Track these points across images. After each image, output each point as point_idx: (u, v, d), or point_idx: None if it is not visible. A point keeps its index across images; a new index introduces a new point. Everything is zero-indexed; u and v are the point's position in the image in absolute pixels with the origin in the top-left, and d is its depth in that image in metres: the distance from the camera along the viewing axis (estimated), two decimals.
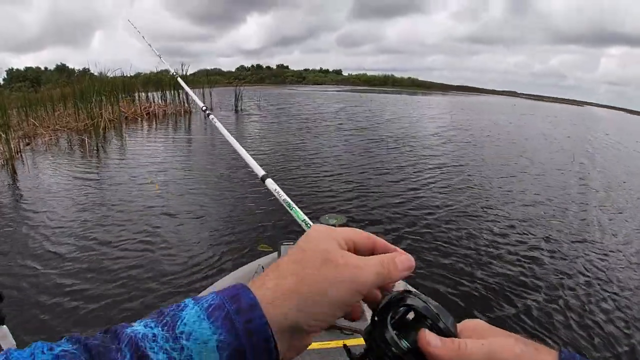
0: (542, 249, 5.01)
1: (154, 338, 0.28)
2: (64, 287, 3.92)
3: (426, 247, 4.84)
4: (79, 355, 0.26)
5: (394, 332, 0.35)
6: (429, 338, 0.34)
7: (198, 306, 0.31)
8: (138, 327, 0.29)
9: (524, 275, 4.33)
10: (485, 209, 6.42)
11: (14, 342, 0.83)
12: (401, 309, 0.37)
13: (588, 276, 4.37)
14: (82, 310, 3.55)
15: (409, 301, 0.36)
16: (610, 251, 5.12)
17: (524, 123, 22.31)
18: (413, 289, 0.41)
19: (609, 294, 4.03)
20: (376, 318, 0.37)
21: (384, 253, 0.38)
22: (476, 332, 0.36)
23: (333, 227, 0.38)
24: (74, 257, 4.52)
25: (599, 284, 4.21)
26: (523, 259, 4.70)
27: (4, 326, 0.82)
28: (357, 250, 0.37)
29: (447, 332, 0.35)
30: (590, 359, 3.03)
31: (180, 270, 4.25)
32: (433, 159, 10.20)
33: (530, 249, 5.00)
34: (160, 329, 0.29)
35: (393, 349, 0.34)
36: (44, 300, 3.73)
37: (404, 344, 0.34)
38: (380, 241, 0.39)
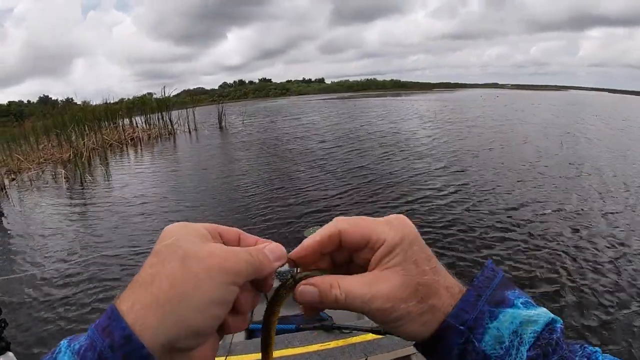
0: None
1: None
2: (55, 318, 4.03)
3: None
4: None
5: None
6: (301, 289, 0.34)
7: (70, 350, 0.28)
8: None
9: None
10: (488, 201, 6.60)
11: None
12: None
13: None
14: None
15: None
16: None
17: (508, 114, 22.60)
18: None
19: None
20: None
21: (248, 245, 0.35)
22: (379, 261, 0.34)
23: (191, 223, 0.33)
24: (65, 291, 4.61)
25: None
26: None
27: (10, 353, 0.82)
28: (224, 241, 0.34)
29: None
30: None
31: None
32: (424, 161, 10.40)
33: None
34: None
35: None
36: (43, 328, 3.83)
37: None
38: (245, 233, 0.36)
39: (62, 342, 0.29)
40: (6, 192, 10.24)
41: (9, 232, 7.07)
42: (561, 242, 5.00)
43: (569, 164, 9.37)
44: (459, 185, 7.62)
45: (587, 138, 13.35)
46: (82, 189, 10.06)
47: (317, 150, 12.46)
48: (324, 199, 7.21)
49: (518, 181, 7.81)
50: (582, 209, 6.13)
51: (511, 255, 4.66)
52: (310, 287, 0.34)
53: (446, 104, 36.53)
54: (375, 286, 0.32)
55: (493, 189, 7.32)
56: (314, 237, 0.35)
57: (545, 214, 5.98)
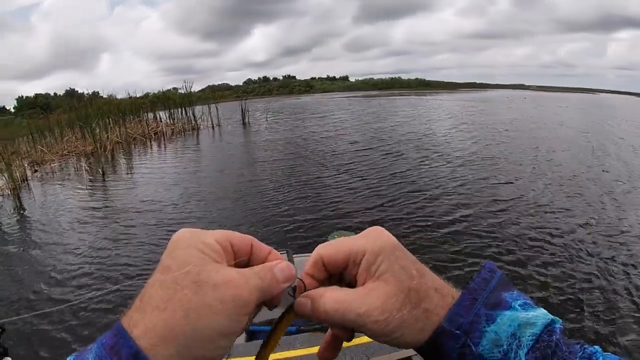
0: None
1: None
2: (68, 319, 3.69)
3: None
4: None
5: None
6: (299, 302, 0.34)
7: None
8: None
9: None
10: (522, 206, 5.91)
11: None
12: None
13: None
14: (86, 342, 3.21)
15: None
16: None
17: (542, 116, 21.54)
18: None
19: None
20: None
21: (260, 256, 0.34)
22: (368, 270, 0.33)
23: (201, 230, 0.32)
24: (77, 288, 4.23)
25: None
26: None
27: (8, 358, 0.91)
28: (235, 252, 0.32)
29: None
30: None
31: None
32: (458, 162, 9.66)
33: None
34: None
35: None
36: (47, 331, 3.58)
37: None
38: (258, 242, 0.34)
39: (68, 359, 0.28)
40: (28, 183, 10.16)
41: (25, 225, 6.84)
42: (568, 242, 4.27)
43: (603, 171, 8.74)
44: (503, 199, 6.87)
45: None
46: (103, 183, 9.82)
47: (347, 152, 11.77)
48: (354, 208, 6.57)
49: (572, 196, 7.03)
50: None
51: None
52: (306, 299, 0.34)
53: (474, 104, 35.30)
54: (368, 298, 0.32)
55: (547, 205, 6.55)
56: (304, 271, 0.36)
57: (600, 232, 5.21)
